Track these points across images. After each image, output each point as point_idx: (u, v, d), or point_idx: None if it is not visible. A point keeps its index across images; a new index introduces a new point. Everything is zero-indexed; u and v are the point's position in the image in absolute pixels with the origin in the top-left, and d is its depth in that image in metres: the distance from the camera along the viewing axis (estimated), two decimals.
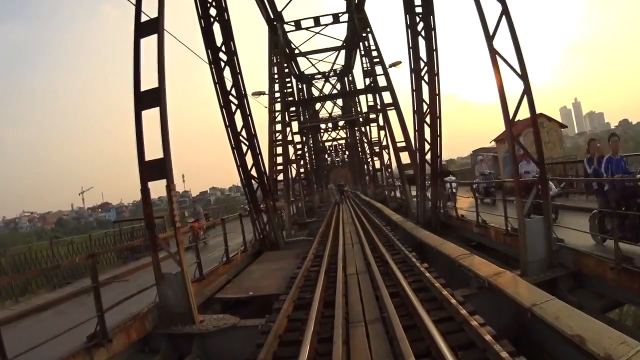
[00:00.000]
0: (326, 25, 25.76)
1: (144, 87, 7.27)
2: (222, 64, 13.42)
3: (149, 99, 7.21)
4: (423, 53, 12.97)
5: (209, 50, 13.21)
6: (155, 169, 7.09)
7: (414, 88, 13.56)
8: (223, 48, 13.42)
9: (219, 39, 13.38)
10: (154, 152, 7.10)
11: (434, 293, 6.20)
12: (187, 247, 8.56)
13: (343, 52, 31.74)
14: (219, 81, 13.35)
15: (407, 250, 9.45)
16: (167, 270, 7.16)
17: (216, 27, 13.25)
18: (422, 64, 13.07)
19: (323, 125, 44.64)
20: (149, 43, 7.30)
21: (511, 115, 7.29)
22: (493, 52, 7.35)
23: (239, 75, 13.75)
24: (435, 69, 12.69)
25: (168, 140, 7.03)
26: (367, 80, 26.11)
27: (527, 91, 7.21)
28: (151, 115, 7.30)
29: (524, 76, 7.22)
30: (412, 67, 13.42)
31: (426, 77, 13.01)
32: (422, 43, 12.90)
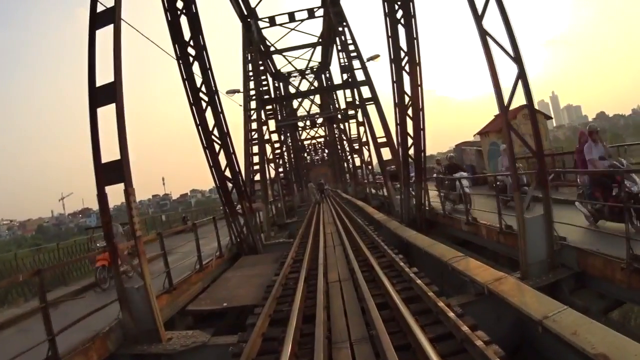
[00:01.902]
0: (301, 20, 25.31)
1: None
2: (191, 59, 12.59)
3: (105, 94, 6.51)
4: (403, 43, 12.35)
5: (176, 45, 12.36)
6: (112, 171, 6.39)
7: (394, 79, 12.92)
8: (191, 42, 12.60)
9: (187, 34, 12.56)
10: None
11: (428, 303, 5.47)
12: None
13: (319, 48, 31.14)
14: (187, 77, 12.52)
15: (393, 253, 8.75)
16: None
17: (184, 21, 12.44)
18: (402, 54, 12.43)
19: (301, 124, 44.04)
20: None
21: (506, 102, 6.60)
22: (483, 34, 6.67)
23: (209, 71, 12.91)
24: (417, 58, 12.03)
25: (125, 139, 6.35)
26: (345, 76, 25.56)
27: (522, 75, 6.51)
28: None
29: (517, 59, 6.53)
30: (392, 57, 12.78)
31: (407, 68, 12.37)
32: (401, 32, 12.26)
